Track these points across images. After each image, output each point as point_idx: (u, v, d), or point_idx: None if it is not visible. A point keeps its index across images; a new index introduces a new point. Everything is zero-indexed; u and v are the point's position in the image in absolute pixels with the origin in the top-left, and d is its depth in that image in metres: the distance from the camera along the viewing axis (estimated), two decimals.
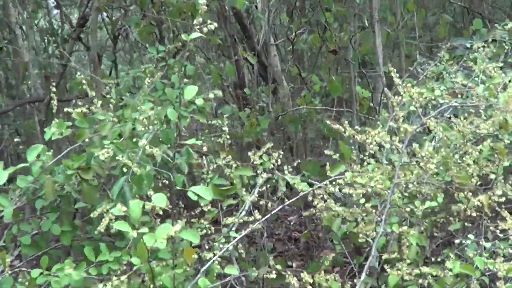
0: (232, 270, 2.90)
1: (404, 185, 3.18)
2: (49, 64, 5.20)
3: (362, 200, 3.08)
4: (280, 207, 3.23)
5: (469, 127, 3.19)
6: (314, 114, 5.14)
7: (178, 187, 2.93)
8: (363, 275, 2.90)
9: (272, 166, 3.45)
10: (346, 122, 3.11)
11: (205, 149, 2.94)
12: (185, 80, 3.92)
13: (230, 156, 3.37)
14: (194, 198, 2.64)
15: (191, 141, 2.82)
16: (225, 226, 3.31)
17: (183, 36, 2.65)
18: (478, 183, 3.27)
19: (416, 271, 2.93)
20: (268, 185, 3.49)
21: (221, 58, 6.69)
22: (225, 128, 3.49)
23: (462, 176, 3.16)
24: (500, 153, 3.39)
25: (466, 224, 3.35)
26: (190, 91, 2.57)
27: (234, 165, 3.36)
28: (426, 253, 3.42)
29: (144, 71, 3.99)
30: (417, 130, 3.14)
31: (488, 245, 3.20)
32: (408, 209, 3.07)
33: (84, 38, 5.07)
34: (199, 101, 2.55)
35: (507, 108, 3.26)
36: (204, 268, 2.88)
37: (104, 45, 6.05)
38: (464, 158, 3.08)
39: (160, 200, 2.47)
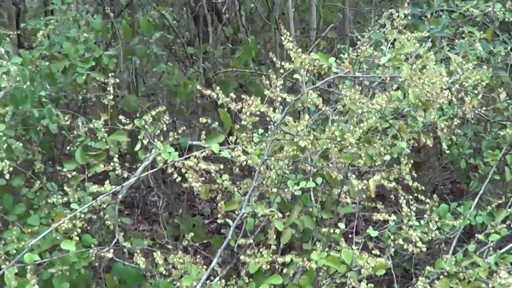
0: (69, 246, 2.63)
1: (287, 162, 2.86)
2: None
3: (225, 176, 2.75)
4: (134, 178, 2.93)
5: (363, 101, 2.83)
6: (249, 77, 4.78)
7: None
8: (215, 261, 2.61)
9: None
10: (218, 88, 2.78)
11: None
12: (86, 35, 3.65)
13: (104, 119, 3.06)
14: None
15: None
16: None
17: None
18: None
19: (280, 259, 2.64)
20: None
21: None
22: (110, 88, 3.19)
23: (345, 156, 2.81)
24: (402, 131, 3.04)
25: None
26: None
27: (104, 129, 3.05)
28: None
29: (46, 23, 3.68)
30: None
31: (375, 233, 2.86)
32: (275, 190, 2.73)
33: None
34: None
35: (408, 82, 2.90)
36: (34, 241, 2.61)
37: None
38: (345, 136, 2.72)
39: None
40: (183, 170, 2.70)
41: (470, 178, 4.00)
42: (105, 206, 3.15)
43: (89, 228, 3.17)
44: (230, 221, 2.71)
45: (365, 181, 2.81)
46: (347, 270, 2.54)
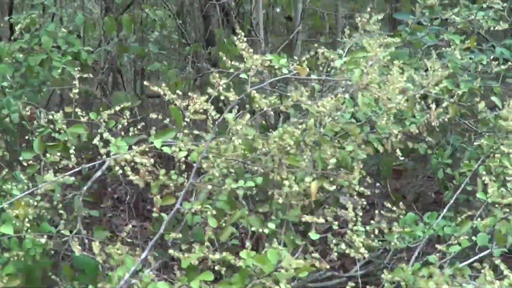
0: (7, 230, 2.72)
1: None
2: None
3: (163, 171, 2.79)
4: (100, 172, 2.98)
5: (310, 103, 2.84)
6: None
7: None
8: (146, 252, 2.66)
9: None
10: (164, 84, 2.82)
11: None
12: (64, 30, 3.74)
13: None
14: None
15: None
16: None
17: None
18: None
19: (212, 256, 2.66)
20: None
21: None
22: (75, 82, 3.25)
23: (290, 158, 2.82)
24: (353, 135, 3.04)
25: None
26: None
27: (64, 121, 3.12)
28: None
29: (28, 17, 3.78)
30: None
31: (316, 236, 2.87)
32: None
33: None
34: None
35: (359, 86, 2.90)
36: None
37: None
38: (283, 137, 2.73)
39: None
40: (122, 164, 2.76)
41: (448, 188, 3.95)
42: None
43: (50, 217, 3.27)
44: (165, 216, 2.74)
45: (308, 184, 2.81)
46: (272, 270, 2.54)
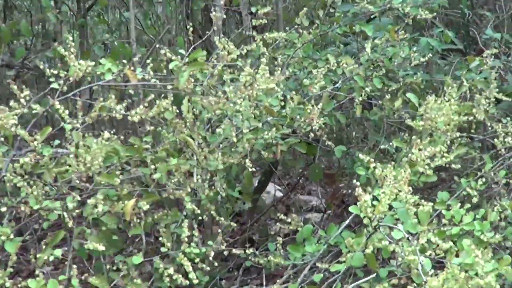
0: None
1: None
2: None
3: None
4: None
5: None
6: None
7: None
8: None
9: None
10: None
11: None
12: None
13: None
14: None
15: None
16: None
17: None
18: None
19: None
20: None
21: None
22: None
23: (104, 174, 2.56)
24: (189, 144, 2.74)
25: None
26: None
27: None
28: None
29: None
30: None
31: (139, 260, 2.59)
32: None
33: None
34: None
35: (183, 88, 2.62)
36: None
37: None
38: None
39: None
40: None
41: None
42: None
43: None
44: None
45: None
46: None
